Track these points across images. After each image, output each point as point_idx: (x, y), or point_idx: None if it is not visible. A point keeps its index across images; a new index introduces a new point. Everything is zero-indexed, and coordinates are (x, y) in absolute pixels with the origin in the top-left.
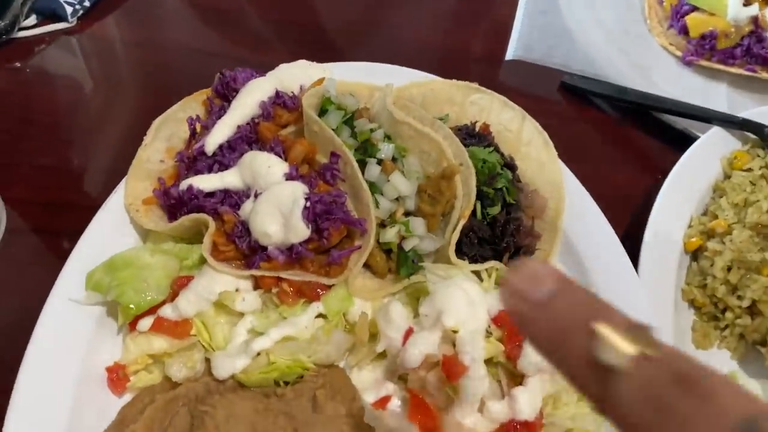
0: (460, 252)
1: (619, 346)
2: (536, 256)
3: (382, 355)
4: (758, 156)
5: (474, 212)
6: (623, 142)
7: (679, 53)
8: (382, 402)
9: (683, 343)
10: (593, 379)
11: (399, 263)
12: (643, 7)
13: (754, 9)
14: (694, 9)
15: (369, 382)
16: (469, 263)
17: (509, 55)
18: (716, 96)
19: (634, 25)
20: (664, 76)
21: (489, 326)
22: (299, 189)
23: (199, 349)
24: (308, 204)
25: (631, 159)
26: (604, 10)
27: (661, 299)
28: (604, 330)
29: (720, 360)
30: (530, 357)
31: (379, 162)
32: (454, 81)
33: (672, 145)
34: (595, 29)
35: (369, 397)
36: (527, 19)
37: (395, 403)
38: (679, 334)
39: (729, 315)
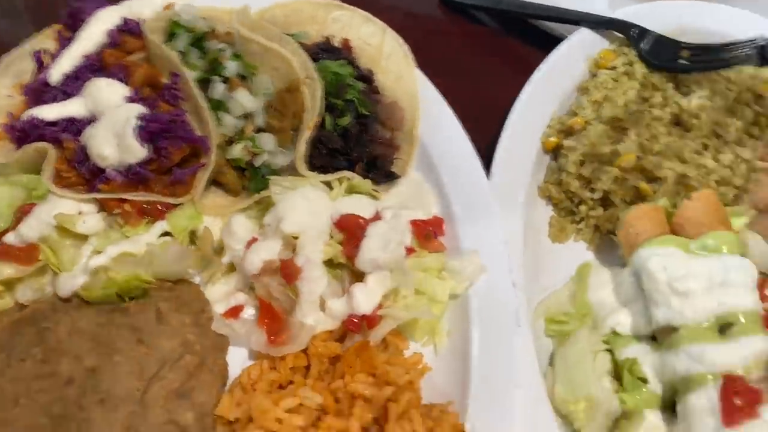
0: (313, 164)
1: None
2: (395, 165)
3: (235, 268)
4: (623, 54)
5: (324, 124)
6: (503, 52)
7: None
8: (233, 311)
9: (540, 238)
10: None
11: (251, 179)
12: None
13: None
14: None
15: (221, 294)
16: (322, 174)
17: None
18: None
19: None
20: None
21: (331, 231)
22: (132, 110)
23: (50, 273)
24: (141, 123)
25: (510, 69)
26: None
27: (513, 198)
28: None
29: (576, 252)
30: (366, 255)
31: (226, 80)
32: (318, 0)
33: (549, 52)
34: None
35: (222, 308)
36: None
37: (249, 312)
38: (536, 230)
39: (583, 208)
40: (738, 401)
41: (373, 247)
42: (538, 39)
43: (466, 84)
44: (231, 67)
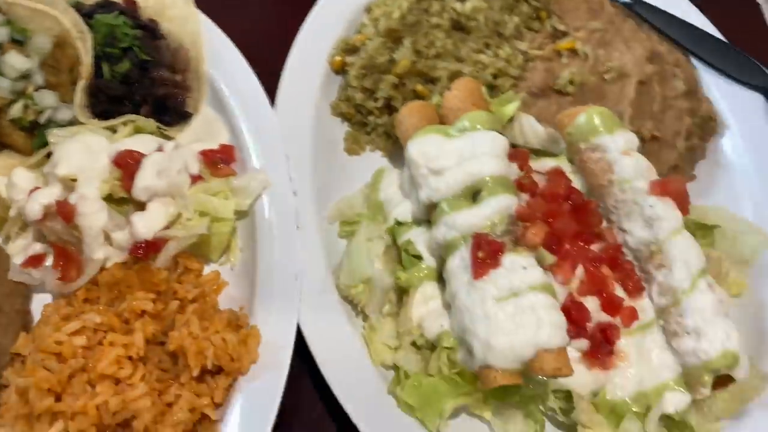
0: (96, 112)
1: None
2: (188, 104)
3: None
4: None
5: (101, 73)
6: None
7: None
8: (32, 261)
9: (336, 153)
10: None
11: (38, 137)
12: None
13: None
14: None
15: (20, 247)
16: (104, 120)
17: None
18: None
19: None
20: None
21: (112, 169)
22: None
23: None
24: None
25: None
26: None
27: (301, 116)
28: None
29: (373, 160)
30: (139, 184)
31: None
32: None
33: None
34: None
35: (21, 260)
36: None
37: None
38: (335, 147)
39: (371, 118)
40: (481, 254)
41: (146, 176)
42: None
43: (258, 21)
44: (0, 33)
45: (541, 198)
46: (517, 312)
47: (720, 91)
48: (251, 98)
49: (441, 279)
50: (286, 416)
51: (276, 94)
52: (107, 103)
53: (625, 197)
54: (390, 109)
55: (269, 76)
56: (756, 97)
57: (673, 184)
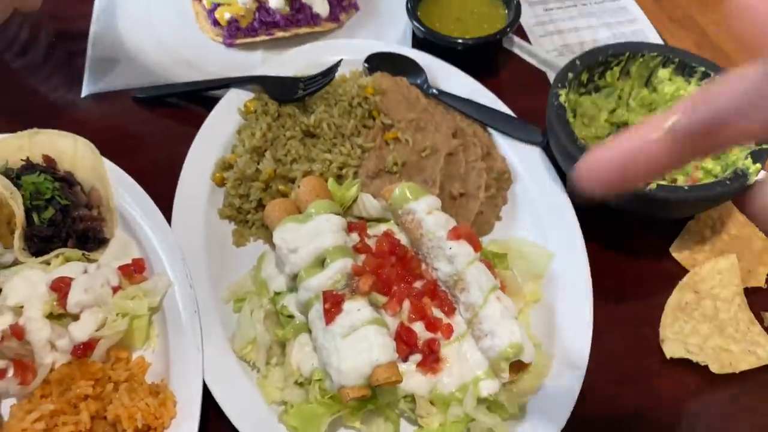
0: (33, 252)
1: None
2: (105, 232)
3: None
4: (261, 99)
5: (32, 221)
6: (186, 122)
7: (220, 40)
8: None
9: (226, 246)
10: None
11: None
12: (193, 16)
13: None
14: (219, 5)
15: None
16: (38, 257)
17: (85, 92)
18: (254, 61)
19: (190, 32)
20: (218, 62)
21: (50, 293)
22: None
23: None
24: None
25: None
26: (160, 27)
27: (193, 224)
28: None
29: (257, 248)
30: (71, 301)
31: None
32: (19, 133)
33: None
34: (155, 46)
35: None
36: (95, 53)
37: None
38: (226, 242)
39: (249, 216)
40: (327, 305)
41: (76, 294)
42: (211, 105)
43: (155, 158)
44: None
45: (372, 255)
46: (355, 342)
47: (511, 150)
48: (151, 219)
49: (310, 330)
50: None
51: (171, 212)
52: (40, 243)
53: (432, 244)
54: (263, 207)
55: (163, 199)
56: (536, 150)
57: (462, 229)
